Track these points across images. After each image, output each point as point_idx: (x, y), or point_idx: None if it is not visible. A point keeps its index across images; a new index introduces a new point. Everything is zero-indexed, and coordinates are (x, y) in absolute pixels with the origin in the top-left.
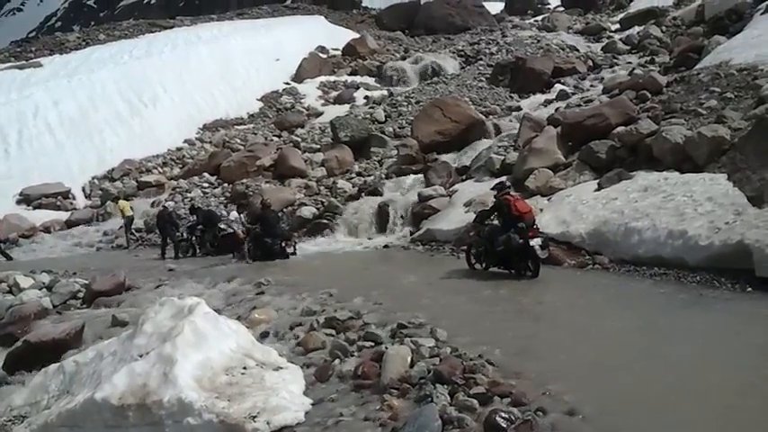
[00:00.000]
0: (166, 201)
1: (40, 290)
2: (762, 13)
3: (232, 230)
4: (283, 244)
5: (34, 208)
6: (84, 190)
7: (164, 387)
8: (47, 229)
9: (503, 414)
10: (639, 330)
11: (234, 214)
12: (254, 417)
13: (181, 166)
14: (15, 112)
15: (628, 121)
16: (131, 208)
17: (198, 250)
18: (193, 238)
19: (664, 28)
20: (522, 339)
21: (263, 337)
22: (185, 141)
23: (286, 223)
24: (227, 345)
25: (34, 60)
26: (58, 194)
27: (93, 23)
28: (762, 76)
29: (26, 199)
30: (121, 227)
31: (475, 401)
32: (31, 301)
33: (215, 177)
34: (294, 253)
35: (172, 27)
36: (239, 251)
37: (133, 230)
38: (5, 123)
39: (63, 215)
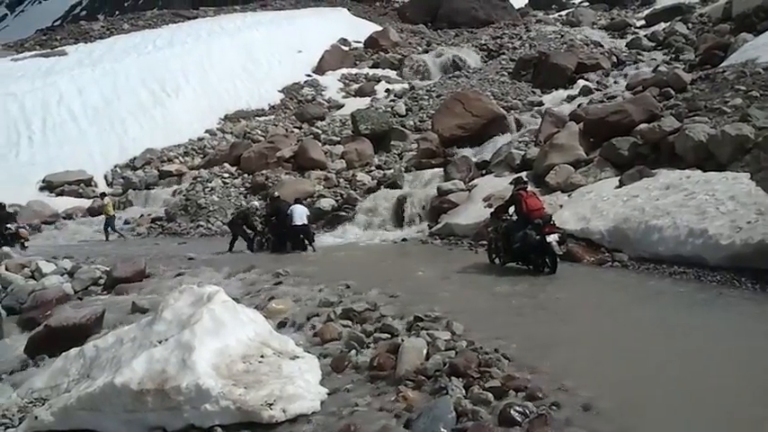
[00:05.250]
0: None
1: (61, 275)
2: None
3: (13, 230)
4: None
5: (57, 195)
6: (106, 178)
7: (182, 373)
8: (69, 216)
9: (517, 408)
10: (657, 328)
11: None
12: (271, 404)
13: (202, 156)
14: (40, 100)
15: (651, 118)
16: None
17: None
18: None
19: (690, 25)
20: (538, 335)
21: (280, 326)
22: (206, 131)
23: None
24: (245, 333)
25: (59, 49)
26: (81, 182)
27: (117, 13)
28: None
29: (49, 186)
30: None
31: (490, 395)
32: (52, 287)
33: (235, 168)
34: (311, 244)
35: (195, 18)
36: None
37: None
38: (30, 111)
39: (85, 203)
